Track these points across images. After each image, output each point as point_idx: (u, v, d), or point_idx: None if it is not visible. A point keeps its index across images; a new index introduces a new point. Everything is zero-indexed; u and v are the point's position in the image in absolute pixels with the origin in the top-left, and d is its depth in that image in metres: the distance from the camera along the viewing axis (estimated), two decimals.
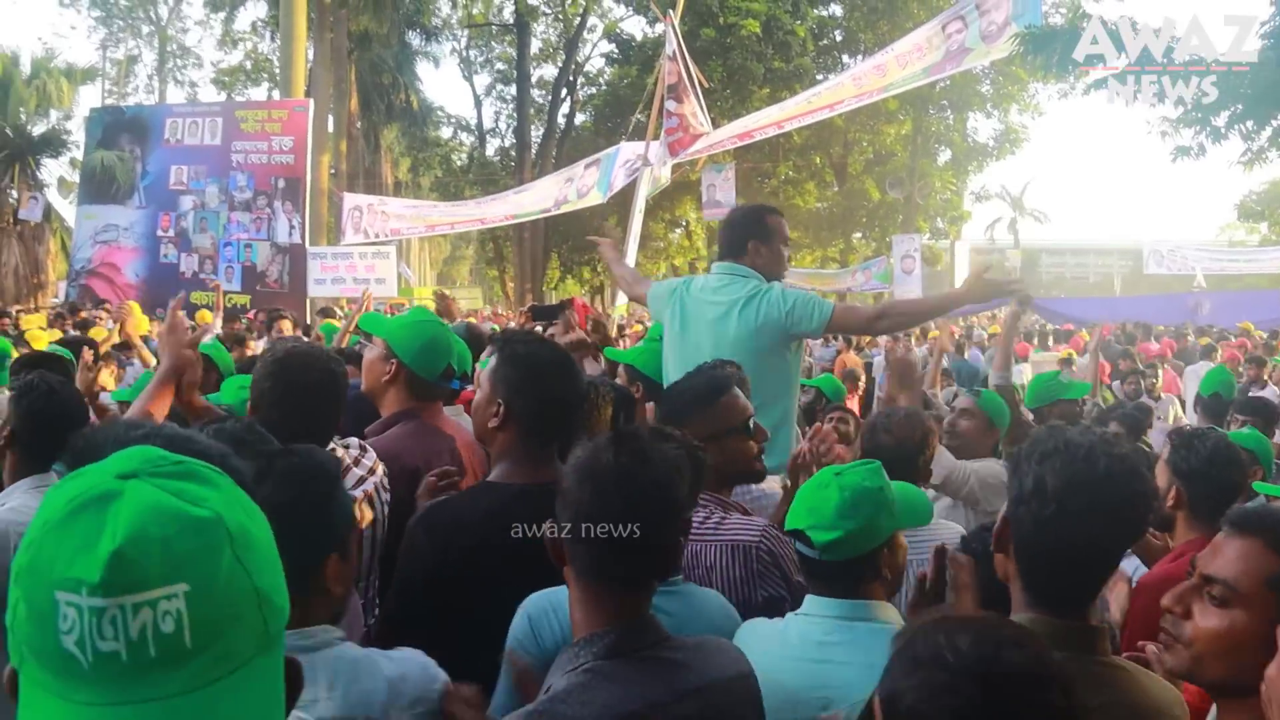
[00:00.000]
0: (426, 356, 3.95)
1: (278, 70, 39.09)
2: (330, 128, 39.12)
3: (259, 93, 52.59)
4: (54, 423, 3.58)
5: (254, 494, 1.36)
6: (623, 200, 23.50)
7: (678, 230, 49.24)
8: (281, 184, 27.56)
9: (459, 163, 52.61)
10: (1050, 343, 21.20)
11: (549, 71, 50.21)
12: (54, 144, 32.19)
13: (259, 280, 27.84)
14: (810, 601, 2.80)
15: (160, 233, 29.03)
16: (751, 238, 5.27)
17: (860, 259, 39.24)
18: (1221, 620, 2.04)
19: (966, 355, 20.77)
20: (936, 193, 41.12)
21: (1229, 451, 3.99)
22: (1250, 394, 9.77)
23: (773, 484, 4.15)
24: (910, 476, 4.13)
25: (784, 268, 5.39)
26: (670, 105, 18.80)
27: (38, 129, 32.32)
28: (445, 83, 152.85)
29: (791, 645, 2.73)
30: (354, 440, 3.58)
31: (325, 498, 2.39)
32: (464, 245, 67.24)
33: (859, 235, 43.26)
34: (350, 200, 28.26)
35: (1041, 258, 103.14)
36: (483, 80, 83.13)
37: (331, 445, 3.44)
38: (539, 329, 7.61)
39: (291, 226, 27.53)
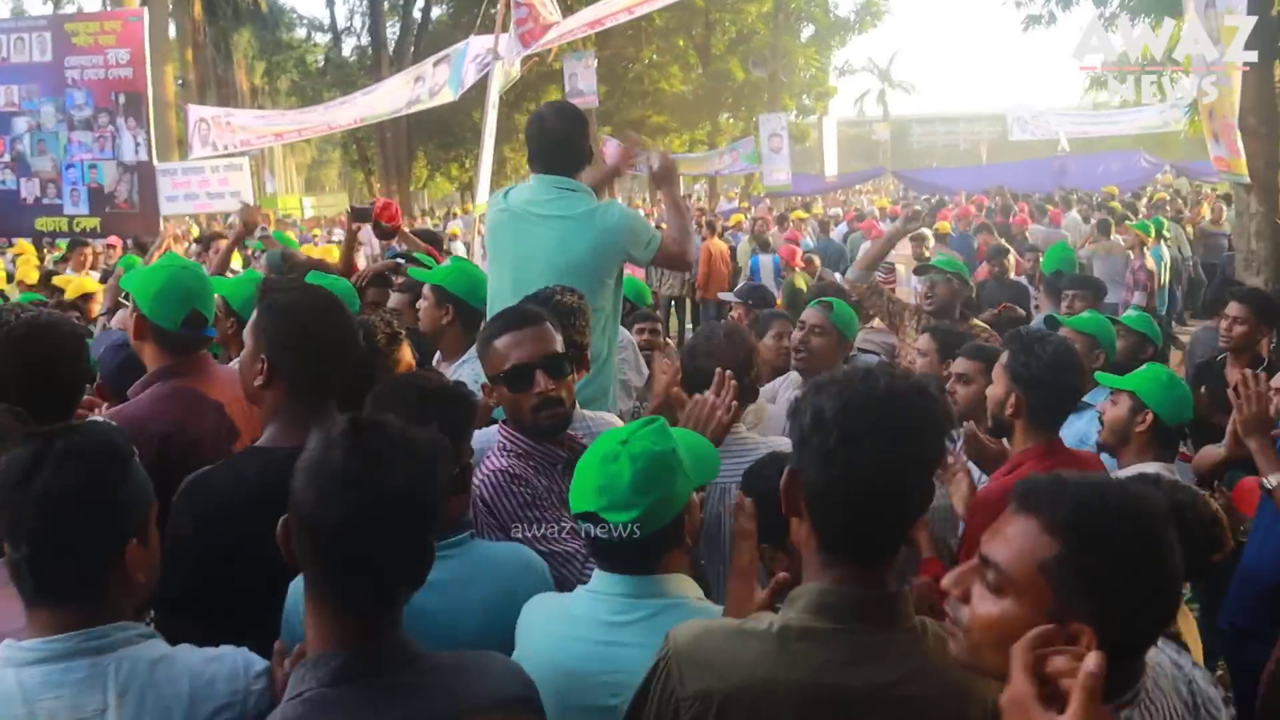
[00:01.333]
0: (162, 305, 3.47)
1: None
2: (173, 35, 37.55)
3: (93, 3, 50.25)
4: None
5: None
6: (482, 94, 22.93)
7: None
8: (122, 99, 26.38)
9: (315, 65, 51.01)
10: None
11: None
12: None
13: (108, 202, 26.70)
14: (599, 578, 2.49)
15: None
16: (586, 158, 4.86)
17: (728, 140, 38.88)
18: (994, 607, 1.77)
19: (832, 234, 20.38)
20: (801, 70, 40.87)
21: (1069, 356, 3.79)
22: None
23: (609, 417, 3.91)
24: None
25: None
26: None
27: None
28: None
29: (578, 624, 2.44)
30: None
31: (119, 477, 2.09)
32: (330, 149, 65.53)
33: (726, 116, 42.85)
34: (195, 112, 27.22)
35: (912, 128, 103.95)
36: None
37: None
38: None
39: (137, 144, 26.33)
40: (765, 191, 33.04)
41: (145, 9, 26.76)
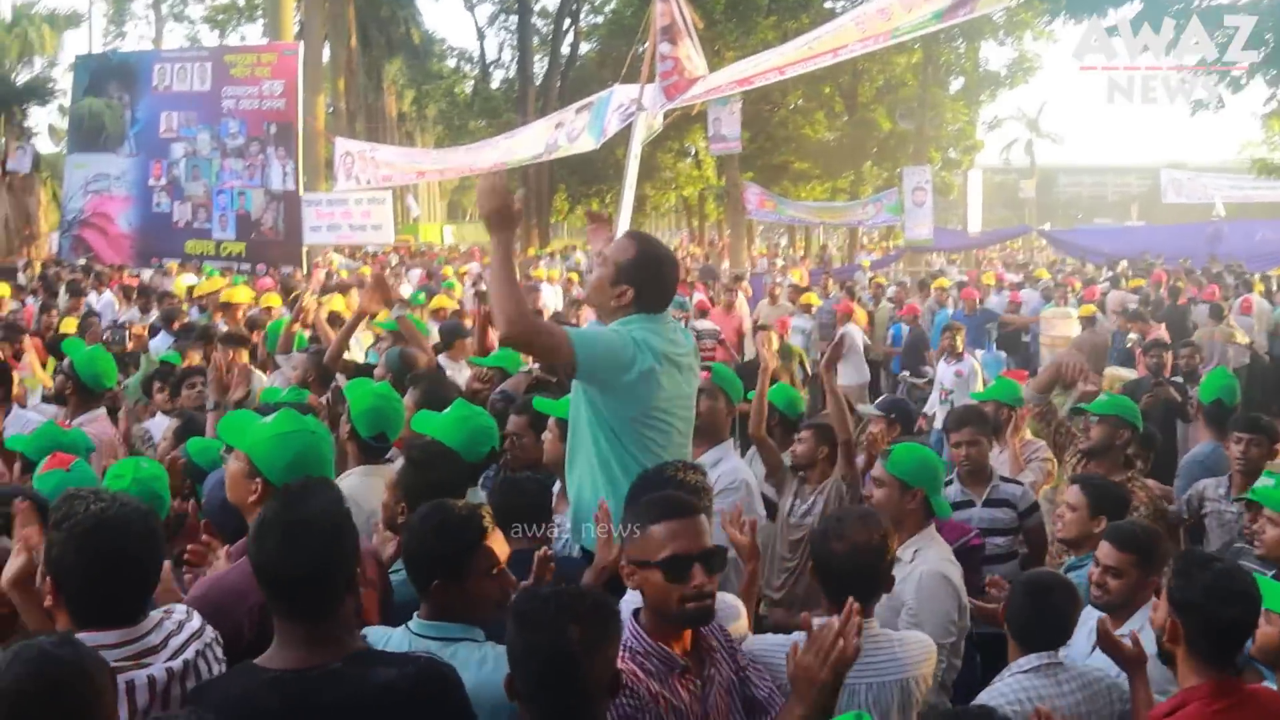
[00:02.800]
0: (294, 475, 3.32)
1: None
2: (327, 64, 38.33)
3: (254, 29, 51.72)
4: None
5: None
6: (624, 133, 22.84)
7: (687, 159, 48.33)
8: (273, 129, 26.95)
9: (463, 96, 51.81)
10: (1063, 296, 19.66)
11: (552, 1, 49.13)
12: (39, 92, 31.59)
13: (254, 229, 27.33)
14: None
15: (152, 181, 28.55)
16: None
17: (871, 189, 38.37)
18: None
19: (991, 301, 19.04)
20: (948, 123, 40.13)
21: (1232, 583, 3.33)
22: None
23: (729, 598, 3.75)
24: (869, 591, 3.57)
25: None
26: (664, 48, 18.08)
27: (22, 78, 31.65)
28: (447, 15, 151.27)
29: None
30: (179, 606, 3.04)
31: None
32: (473, 175, 66.49)
33: (869, 165, 42.27)
34: (341, 145, 27.70)
35: (1059, 178, 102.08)
36: (485, 10, 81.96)
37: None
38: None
39: (285, 173, 26.97)
40: (906, 244, 32.47)
41: (301, 43, 27.36)
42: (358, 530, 2.88)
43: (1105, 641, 3.79)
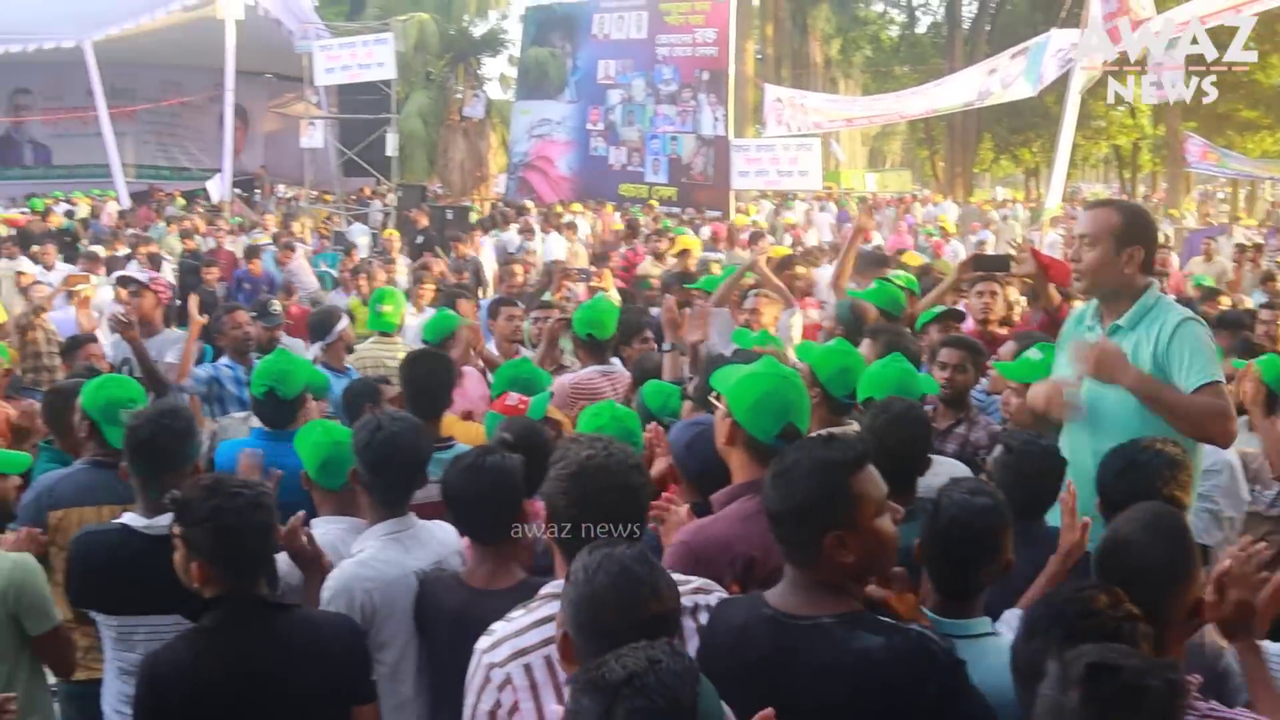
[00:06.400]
0: (758, 416, 3.28)
1: None
2: (756, 10, 38.77)
3: None
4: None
5: None
6: (1058, 83, 22.02)
7: (1121, 107, 45.73)
8: (705, 76, 27.71)
9: (889, 41, 51.19)
10: None
11: None
12: (493, 43, 33.68)
13: (684, 173, 28.26)
14: None
15: (590, 126, 30.03)
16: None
17: None
18: None
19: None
20: None
21: None
22: None
23: None
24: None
25: None
26: None
27: (478, 30, 33.81)
28: None
29: None
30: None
31: None
32: (901, 122, 65.61)
33: None
34: (772, 92, 28.11)
35: None
36: None
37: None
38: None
39: (716, 119, 27.68)
40: None
41: None
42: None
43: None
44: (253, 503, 3.09)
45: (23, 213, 21.46)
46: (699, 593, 2.86)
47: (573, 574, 2.44)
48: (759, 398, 3.28)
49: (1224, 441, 4.01)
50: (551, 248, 17.61)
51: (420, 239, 18.34)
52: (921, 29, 49.90)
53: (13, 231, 16.68)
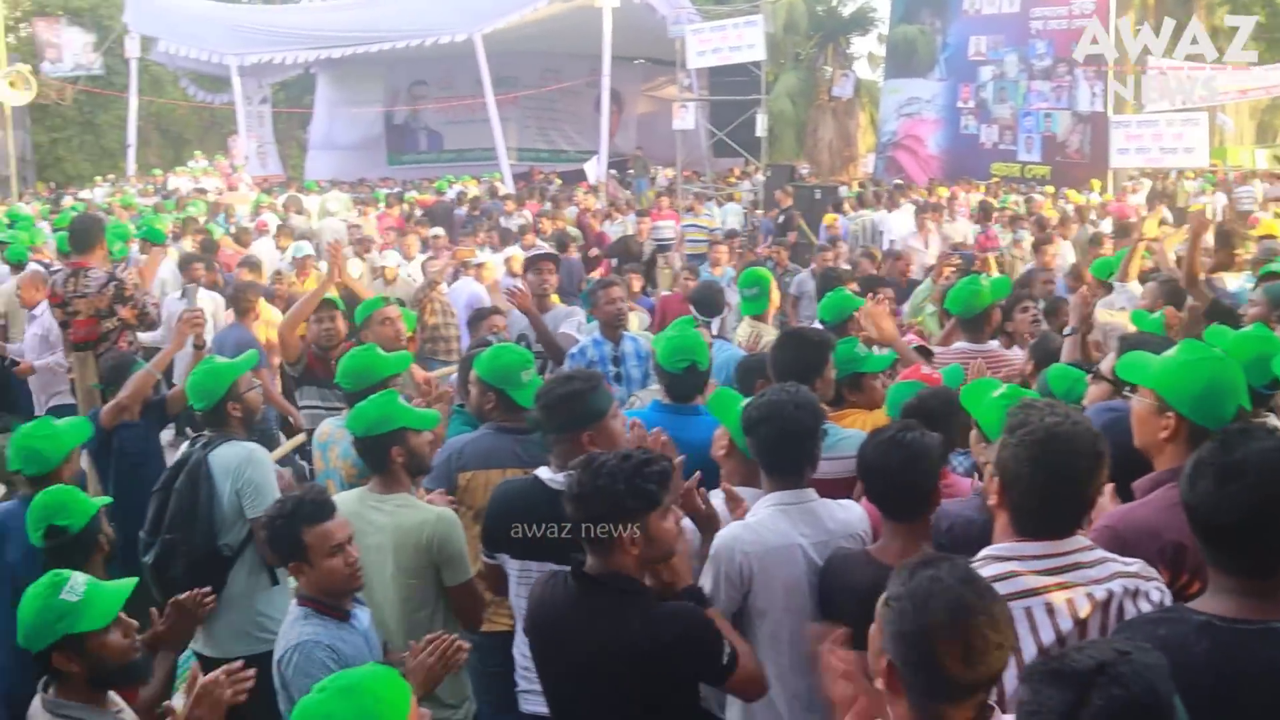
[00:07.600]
0: (1206, 405, 3.19)
1: None
2: None
3: None
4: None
5: None
6: None
7: None
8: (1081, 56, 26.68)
9: None
10: None
11: None
12: (862, 22, 33.47)
13: (1059, 151, 27.40)
14: None
15: (960, 104, 29.52)
16: None
17: None
18: None
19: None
20: None
21: None
22: None
23: None
24: None
25: None
26: None
27: (847, 9, 33.75)
28: None
29: None
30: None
31: None
32: None
33: None
34: (1153, 64, 26.72)
35: None
36: None
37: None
38: None
39: (1093, 94, 26.66)
40: None
41: None
42: None
43: None
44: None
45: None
46: (1137, 578, 2.84)
47: (897, 601, 2.27)
48: (1206, 386, 3.21)
49: None
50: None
51: (781, 218, 18.65)
52: None
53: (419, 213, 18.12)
